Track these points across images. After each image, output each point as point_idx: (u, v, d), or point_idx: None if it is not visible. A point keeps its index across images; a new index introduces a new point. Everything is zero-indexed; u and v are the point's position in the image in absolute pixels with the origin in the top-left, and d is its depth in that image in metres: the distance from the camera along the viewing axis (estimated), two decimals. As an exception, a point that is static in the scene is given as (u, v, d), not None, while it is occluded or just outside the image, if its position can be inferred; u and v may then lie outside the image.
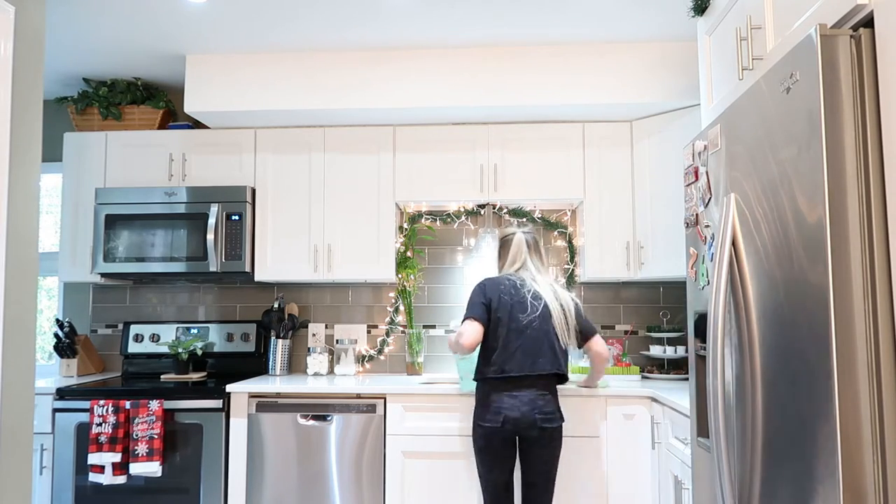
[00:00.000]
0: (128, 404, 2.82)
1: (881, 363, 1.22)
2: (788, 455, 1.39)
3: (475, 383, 2.60)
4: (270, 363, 3.41)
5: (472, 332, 2.42)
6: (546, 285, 2.54)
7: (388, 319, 3.59)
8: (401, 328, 3.58)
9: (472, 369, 2.71)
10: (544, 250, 2.83)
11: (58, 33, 2.96)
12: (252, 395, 2.93)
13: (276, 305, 3.49)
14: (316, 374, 3.36)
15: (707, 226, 1.85)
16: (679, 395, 2.62)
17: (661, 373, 3.24)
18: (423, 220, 3.61)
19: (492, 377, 2.43)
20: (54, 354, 3.70)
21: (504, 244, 2.65)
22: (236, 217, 3.21)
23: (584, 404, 2.83)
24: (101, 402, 2.83)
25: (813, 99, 1.30)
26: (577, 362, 3.29)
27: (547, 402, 2.43)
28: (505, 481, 2.48)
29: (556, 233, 3.57)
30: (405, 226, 3.56)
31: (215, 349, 3.49)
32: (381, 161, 3.30)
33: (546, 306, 2.48)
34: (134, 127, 3.45)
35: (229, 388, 2.92)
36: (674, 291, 3.51)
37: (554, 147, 3.26)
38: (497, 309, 2.45)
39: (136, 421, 2.80)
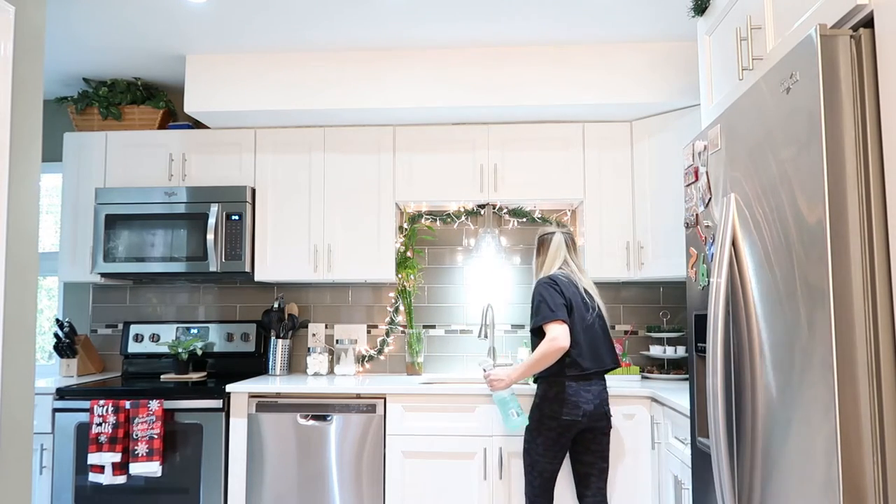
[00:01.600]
0: (128, 404, 2.82)
1: (881, 363, 1.22)
2: (788, 455, 1.39)
3: (526, 419, 2.62)
4: (270, 363, 3.41)
5: (566, 333, 2.48)
6: (590, 284, 2.67)
7: (388, 319, 3.59)
8: (401, 328, 3.58)
9: (515, 404, 2.64)
10: (580, 251, 2.95)
11: (58, 33, 2.96)
12: (252, 395, 2.93)
13: (276, 305, 3.49)
14: (316, 374, 3.36)
15: (707, 226, 1.85)
16: (679, 395, 2.62)
17: (661, 373, 3.24)
18: (423, 220, 3.61)
19: (570, 374, 2.50)
20: (54, 354, 3.70)
21: (543, 242, 2.73)
22: (236, 217, 3.21)
23: (584, 404, 2.83)
24: (101, 402, 2.83)
25: (813, 99, 1.30)
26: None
27: (607, 393, 2.61)
28: (558, 470, 2.57)
29: (556, 233, 3.57)
30: (405, 226, 3.56)
31: (215, 349, 3.49)
32: (381, 161, 3.30)
33: (598, 304, 2.64)
34: (134, 127, 3.45)
35: (229, 388, 2.92)
36: (674, 291, 3.51)
37: (554, 147, 3.26)
38: (572, 308, 2.55)
39: (136, 421, 2.80)
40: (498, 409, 2.72)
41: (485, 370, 2.74)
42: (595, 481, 2.60)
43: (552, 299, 2.51)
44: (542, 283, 2.57)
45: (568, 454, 2.66)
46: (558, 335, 2.45)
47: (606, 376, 3.15)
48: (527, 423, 2.61)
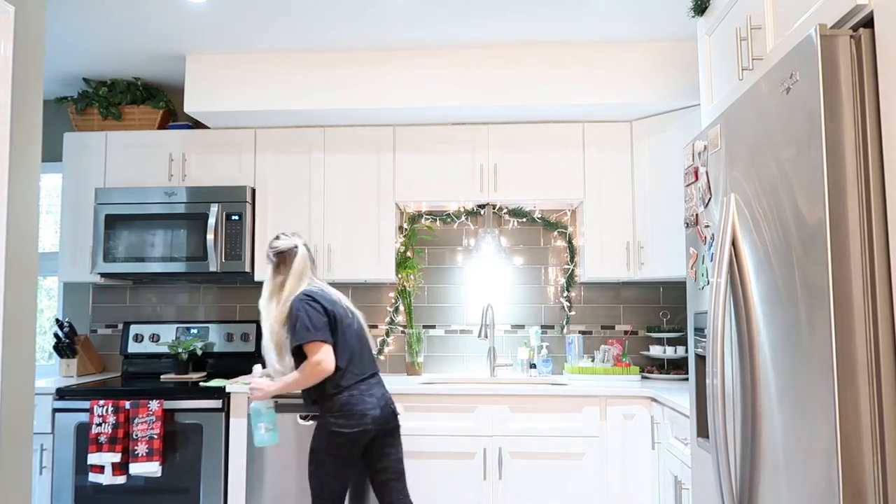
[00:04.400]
0: (128, 404, 2.82)
1: (881, 363, 1.22)
2: (788, 455, 1.39)
3: (275, 438, 2.48)
4: (270, 363, 3.41)
5: (330, 356, 2.34)
6: (343, 297, 2.56)
7: (388, 319, 3.59)
8: (401, 328, 3.58)
9: (269, 419, 2.47)
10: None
11: (58, 33, 2.96)
12: (252, 395, 2.93)
13: (275, 305, 3.48)
14: (316, 374, 3.36)
15: (707, 226, 1.85)
16: (679, 395, 2.62)
17: (661, 373, 3.24)
18: (423, 220, 3.61)
19: (349, 383, 2.38)
20: (54, 354, 3.70)
21: (285, 256, 2.51)
22: (236, 217, 3.21)
23: (583, 405, 2.83)
24: (101, 402, 2.82)
25: (813, 99, 1.30)
26: (576, 362, 3.29)
27: (387, 389, 2.56)
28: (348, 487, 2.43)
29: (556, 233, 3.57)
30: (405, 226, 3.56)
31: (215, 349, 3.49)
32: (381, 161, 3.30)
33: (351, 310, 2.53)
34: (134, 127, 3.45)
35: (229, 388, 2.92)
36: (674, 291, 3.51)
37: (554, 147, 3.26)
38: (335, 319, 2.42)
39: (135, 421, 2.80)
40: (251, 419, 2.52)
41: (253, 375, 2.57)
42: (396, 485, 2.47)
43: (312, 318, 2.35)
44: (299, 300, 2.40)
45: (357, 467, 2.53)
46: (322, 359, 2.31)
47: (601, 376, 3.15)
48: (275, 442, 2.48)
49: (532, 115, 3.22)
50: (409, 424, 2.87)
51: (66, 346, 3.38)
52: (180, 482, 2.86)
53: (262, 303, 2.53)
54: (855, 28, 1.36)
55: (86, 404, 2.90)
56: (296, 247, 2.52)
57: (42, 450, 2.91)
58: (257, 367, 2.59)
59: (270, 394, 2.44)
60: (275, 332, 2.47)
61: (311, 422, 2.89)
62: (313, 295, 2.43)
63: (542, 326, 3.53)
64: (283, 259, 2.51)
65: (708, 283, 1.84)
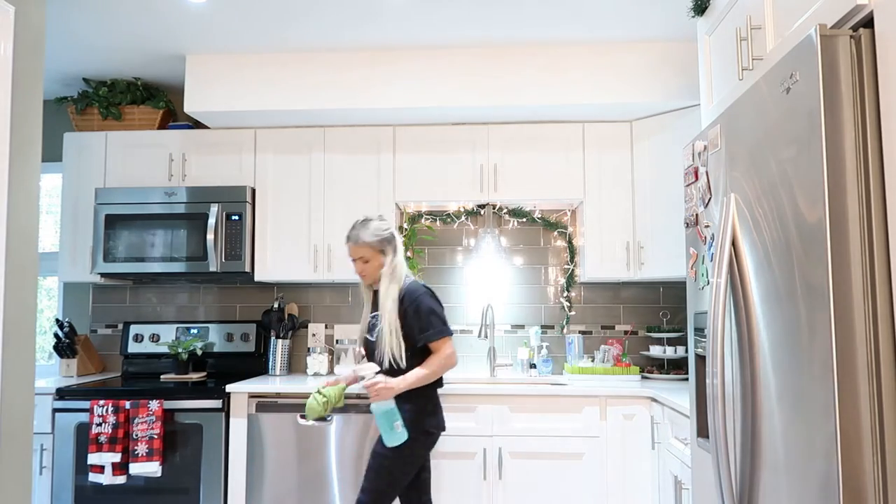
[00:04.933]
0: (128, 404, 2.82)
1: (881, 363, 1.22)
2: (788, 455, 1.39)
3: (406, 433, 2.30)
4: (270, 363, 3.41)
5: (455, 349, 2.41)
6: None
7: (388, 319, 3.58)
8: (401, 328, 3.58)
9: (398, 415, 2.29)
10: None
11: (58, 33, 2.96)
12: (252, 396, 2.93)
13: (275, 305, 3.49)
14: (316, 374, 3.36)
15: (707, 226, 1.85)
16: (679, 395, 2.62)
17: (660, 373, 3.24)
18: (423, 220, 3.61)
19: (436, 386, 2.43)
20: (54, 354, 3.70)
21: (392, 241, 2.44)
22: (236, 217, 3.21)
23: (583, 405, 2.83)
24: (101, 402, 2.82)
25: (813, 99, 1.30)
26: (576, 362, 3.29)
27: None
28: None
29: (556, 233, 3.57)
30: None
31: (215, 349, 3.49)
32: (381, 161, 3.30)
33: None
34: (134, 127, 3.45)
35: (229, 388, 2.92)
36: (674, 291, 3.51)
37: (554, 147, 3.26)
38: None
39: (135, 421, 2.80)
40: (379, 422, 2.28)
41: (363, 377, 2.31)
42: (429, 483, 2.51)
43: (441, 312, 2.39)
44: (426, 294, 2.39)
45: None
46: (454, 352, 2.36)
47: (601, 376, 3.16)
48: (406, 436, 2.29)
49: (532, 115, 3.22)
50: (409, 424, 2.87)
51: (66, 346, 3.38)
52: (180, 482, 2.86)
53: (383, 294, 2.38)
54: (855, 28, 1.36)
55: (86, 404, 2.90)
56: (392, 229, 2.47)
57: (42, 450, 2.91)
58: (370, 366, 2.34)
59: (401, 390, 2.29)
60: (394, 325, 2.36)
61: (311, 422, 2.89)
62: (430, 288, 2.44)
63: (542, 326, 3.53)
64: (390, 243, 2.44)
65: (708, 283, 1.84)
